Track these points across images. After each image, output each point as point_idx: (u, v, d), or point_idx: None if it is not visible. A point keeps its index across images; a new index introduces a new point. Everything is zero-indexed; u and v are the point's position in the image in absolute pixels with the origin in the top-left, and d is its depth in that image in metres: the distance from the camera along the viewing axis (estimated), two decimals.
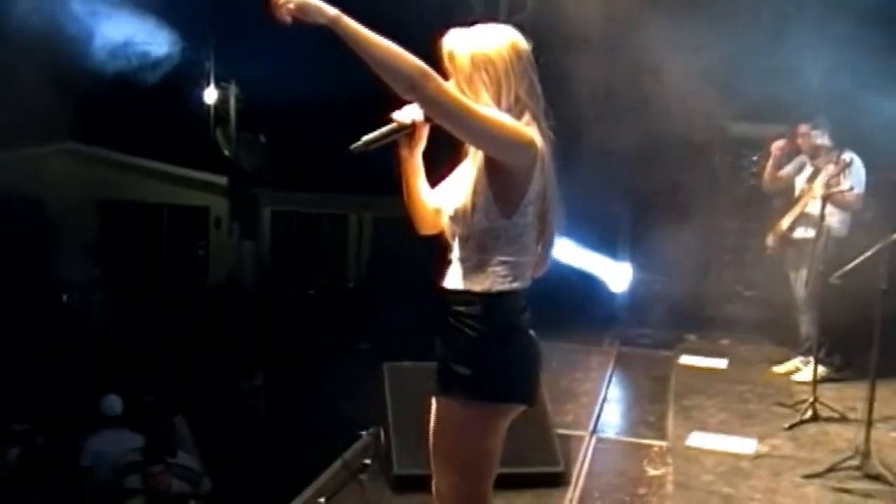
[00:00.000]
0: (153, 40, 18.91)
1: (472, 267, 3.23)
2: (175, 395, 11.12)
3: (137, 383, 11.32)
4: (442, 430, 3.35)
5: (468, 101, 3.01)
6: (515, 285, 3.21)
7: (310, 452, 7.91)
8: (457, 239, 3.31)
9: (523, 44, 3.24)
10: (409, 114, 3.28)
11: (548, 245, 3.35)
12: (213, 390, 12.29)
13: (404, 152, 3.43)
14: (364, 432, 6.22)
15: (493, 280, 3.18)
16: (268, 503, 5.55)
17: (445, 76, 3.16)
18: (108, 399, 9.62)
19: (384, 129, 3.25)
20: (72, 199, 22.16)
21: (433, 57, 3.18)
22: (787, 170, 8.14)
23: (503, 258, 3.19)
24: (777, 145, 8.13)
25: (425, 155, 3.46)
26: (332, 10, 2.85)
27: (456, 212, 3.22)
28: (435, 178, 3.49)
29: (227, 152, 22.85)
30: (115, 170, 22.95)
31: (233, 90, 22.32)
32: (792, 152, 8.47)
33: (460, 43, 3.21)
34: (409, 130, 3.33)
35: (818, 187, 7.74)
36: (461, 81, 3.19)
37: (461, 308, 3.22)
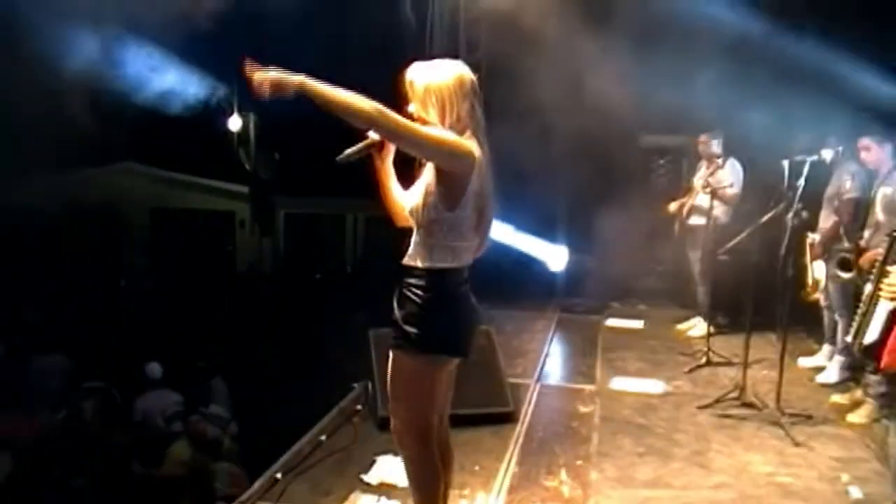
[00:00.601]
0: (192, 83, 18.97)
1: (422, 248, 3.35)
2: (213, 360, 11.12)
3: (182, 352, 11.33)
4: (394, 377, 3.46)
5: (416, 127, 3.15)
6: (454, 264, 3.35)
7: (315, 401, 7.99)
8: (414, 226, 3.42)
9: (467, 75, 3.36)
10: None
11: (485, 232, 3.47)
12: (241, 354, 12.29)
13: (378, 162, 3.54)
14: (356, 385, 6.29)
15: (436, 259, 3.32)
16: (281, 440, 5.55)
17: (407, 99, 3.35)
18: (150, 366, 9.64)
19: (360, 145, 3.38)
20: (129, 207, 22.25)
21: (398, 83, 3.41)
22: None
23: (445, 243, 3.31)
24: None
25: (405, 165, 3.53)
26: (296, 79, 3.03)
27: (412, 207, 3.36)
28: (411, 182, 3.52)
29: (248, 167, 22.71)
30: (162, 184, 22.96)
31: (252, 118, 22.26)
32: (693, 158, 8.60)
33: (418, 73, 3.35)
34: (379, 145, 3.44)
35: (697, 184, 7.93)
36: (417, 103, 3.34)
37: (411, 280, 3.35)
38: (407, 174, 3.54)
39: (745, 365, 6.07)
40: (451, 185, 3.26)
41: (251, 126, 22.19)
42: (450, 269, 3.36)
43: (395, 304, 3.44)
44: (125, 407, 9.17)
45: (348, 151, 3.37)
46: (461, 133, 3.29)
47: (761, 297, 6.29)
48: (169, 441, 8.03)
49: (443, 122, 3.28)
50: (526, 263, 9.59)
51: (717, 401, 6.03)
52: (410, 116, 3.31)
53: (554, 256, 9.51)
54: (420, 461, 3.53)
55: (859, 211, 6.18)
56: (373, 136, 3.38)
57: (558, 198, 9.96)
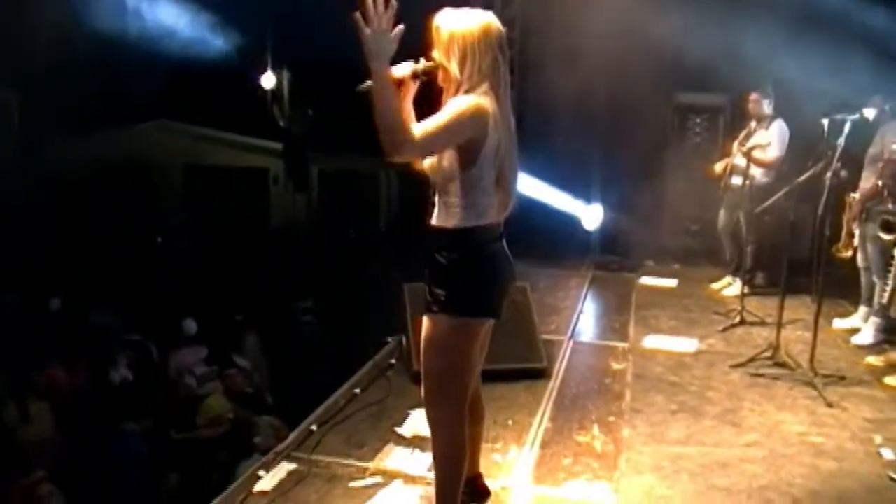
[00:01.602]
0: (226, 40, 19.05)
1: (446, 209, 3.31)
2: (248, 315, 11.24)
3: (217, 307, 11.46)
4: (427, 342, 3.39)
5: (428, 129, 3.05)
6: (481, 221, 3.27)
7: (349, 355, 8.07)
8: (434, 186, 3.40)
9: (495, 27, 3.28)
10: (403, 68, 3.32)
11: (508, 189, 3.37)
12: (276, 310, 12.41)
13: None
14: (390, 339, 6.36)
15: (459, 218, 3.26)
16: (317, 393, 5.63)
17: (432, 44, 3.32)
18: (186, 322, 9.78)
19: None
20: (164, 163, 22.45)
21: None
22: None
23: (468, 201, 3.25)
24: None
25: (425, 105, 3.44)
26: (377, 63, 2.92)
27: (429, 166, 3.34)
28: None
29: (281, 123, 22.83)
30: (196, 140, 23.09)
31: (285, 74, 22.33)
32: (736, 117, 8.54)
33: (444, 20, 3.28)
34: (400, 82, 3.32)
35: (735, 146, 7.88)
36: (440, 49, 3.29)
37: (437, 241, 3.33)
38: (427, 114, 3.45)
39: (780, 325, 6.05)
40: (466, 144, 3.20)
41: (285, 82, 22.30)
42: (477, 228, 3.29)
43: (426, 268, 3.42)
44: (162, 362, 9.34)
45: (369, 82, 3.20)
46: (478, 84, 3.22)
47: (798, 257, 6.26)
48: (203, 396, 8.18)
49: (461, 72, 3.23)
50: (561, 221, 9.58)
51: (751, 360, 6.04)
52: (435, 64, 3.31)
53: (589, 215, 9.49)
54: (448, 436, 3.45)
55: None
56: (395, 71, 3.29)
57: (593, 155, 9.91)
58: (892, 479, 4.35)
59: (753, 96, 7.92)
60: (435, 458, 3.52)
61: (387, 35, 2.93)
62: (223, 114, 21.91)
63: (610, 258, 9.63)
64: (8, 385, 8.06)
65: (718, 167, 8.16)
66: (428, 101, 3.41)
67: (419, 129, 3.05)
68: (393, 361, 5.97)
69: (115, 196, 19.61)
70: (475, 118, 3.13)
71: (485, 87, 3.22)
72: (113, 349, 9.23)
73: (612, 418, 5.13)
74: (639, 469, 4.45)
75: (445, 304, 3.29)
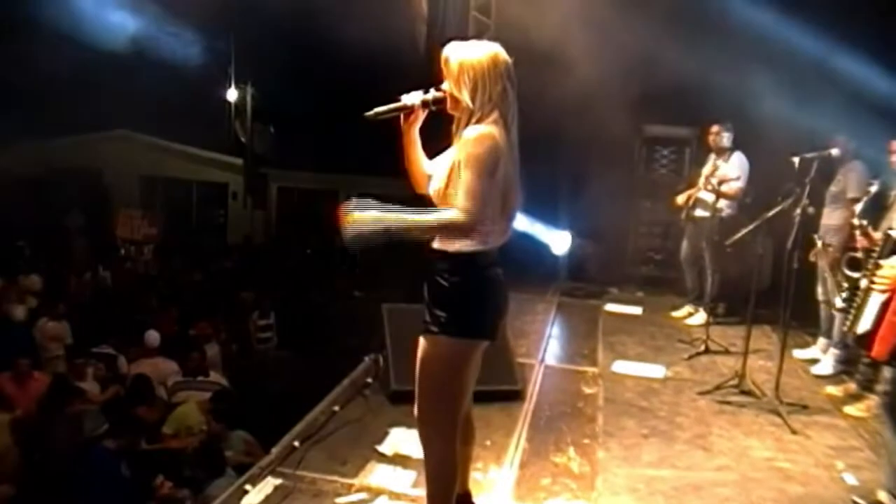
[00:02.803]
0: (189, 53, 19.02)
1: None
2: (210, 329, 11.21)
3: (175, 318, 11.43)
4: (424, 363, 3.44)
5: (467, 189, 3.17)
6: (482, 247, 3.31)
7: (318, 374, 8.10)
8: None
9: (503, 57, 3.35)
10: (412, 97, 3.44)
11: (510, 217, 3.45)
12: (234, 326, 12.38)
13: (404, 126, 3.53)
14: (366, 358, 6.43)
15: (462, 243, 3.30)
16: (292, 412, 5.69)
17: (442, 77, 3.41)
18: (149, 333, 9.70)
19: (391, 106, 3.45)
20: (122, 173, 22.29)
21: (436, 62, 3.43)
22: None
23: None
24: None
25: (431, 134, 3.59)
26: (378, 224, 3.14)
27: (436, 191, 3.39)
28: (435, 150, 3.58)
29: (243, 139, 22.84)
30: (156, 151, 22.96)
31: (248, 90, 22.34)
32: (701, 149, 8.75)
33: (453, 51, 3.36)
34: (410, 110, 3.46)
35: (702, 178, 8.07)
36: (451, 81, 3.36)
37: (440, 265, 3.36)
38: (432, 146, 3.60)
39: (746, 354, 6.25)
40: None
41: (248, 98, 22.29)
42: (479, 253, 3.33)
43: (425, 290, 3.45)
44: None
45: (378, 109, 3.42)
46: (489, 114, 3.28)
47: (757, 288, 6.45)
48: (174, 405, 8.17)
49: (473, 101, 3.28)
50: (530, 245, 9.70)
51: (717, 387, 6.23)
52: (444, 94, 3.39)
53: (556, 241, 9.63)
54: (442, 454, 3.52)
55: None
56: (405, 99, 3.44)
57: (562, 182, 10.05)
58: (855, 502, 4.54)
59: (714, 129, 8.13)
60: (427, 475, 3.58)
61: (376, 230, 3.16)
62: (184, 127, 21.79)
63: (576, 284, 9.75)
64: None
65: (681, 199, 8.34)
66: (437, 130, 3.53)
67: (462, 202, 3.16)
68: (370, 380, 6.05)
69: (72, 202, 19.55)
70: (495, 150, 3.22)
71: (495, 115, 3.29)
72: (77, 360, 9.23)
73: (586, 441, 5.27)
74: (615, 490, 4.60)
75: (445, 325, 3.34)
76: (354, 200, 3.19)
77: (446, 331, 3.35)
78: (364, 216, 3.16)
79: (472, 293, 3.38)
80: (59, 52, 17.28)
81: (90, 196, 21.03)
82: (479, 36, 8.87)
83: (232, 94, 22.28)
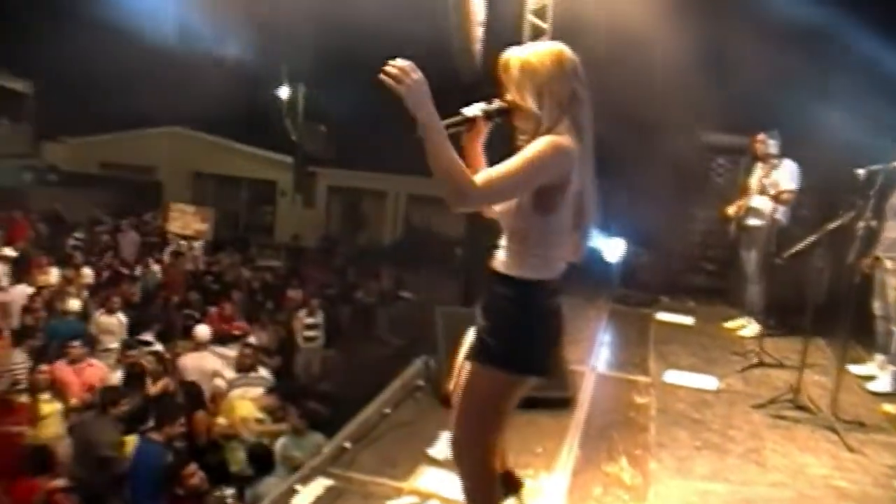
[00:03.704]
0: (242, 50, 19.23)
1: (512, 255, 3.15)
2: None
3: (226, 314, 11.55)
4: (466, 389, 3.27)
5: (493, 176, 2.93)
6: (546, 275, 3.13)
7: (364, 374, 8.13)
8: (504, 229, 3.22)
9: (567, 56, 3.11)
10: (474, 110, 3.18)
11: (584, 234, 3.23)
12: (280, 322, 12.48)
13: (465, 141, 3.27)
14: (417, 360, 6.44)
15: (526, 269, 3.11)
16: (343, 413, 5.73)
17: (502, 86, 3.19)
18: (199, 328, 9.85)
19: (451, 120, 3.12)
20: (173, 169, 22.57)
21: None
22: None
23: (537, 251, 3.10)
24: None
25: (496, 150, 3.32)
26: (423, 114, 2.85)
27: (500, 210, 3.17)
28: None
29: (293, 137, 23.01)
30: (207, 148, 23.20)
31: (300, 88, 22.49)
32: (748, 157, 8.65)
33: (514, 56, 3.13)
34: (471, 124, 3.20)
35: (754, 185, 7.97)
36: (513, 88, 3.12)
37: (498, 288, 3.17)
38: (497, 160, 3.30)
39: (802, 368, 6.16)
40: (546, 189, 3.01)
41: (300, 96, 22.45)
42: (540, 282, 3.14)
43: (478, 311, 3.27)
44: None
45: (470, 108, 3.17)
46: (559, 121, 3.03)
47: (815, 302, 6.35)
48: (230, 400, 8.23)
49: (540, 109, 3.04)
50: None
51: (772, 401, 6.13)
52: (508, 104, 3.17)
53: (610, 248, 9.57)
54: (478, 478, 3.38)
55: None
56: (466, 112, 3.18)
57: (618, 191, 9.98)
58: None
59: (760, 137, 8.01)
60: (463, 490, 3.46)
61: (419, 84, 2.86)
62: (236, 124, 22.05)
63: (628, 292, 9.67)
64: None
65: (731, 210, 8.24)
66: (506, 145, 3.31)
67: (483, 176, 2.94)
68: (421, 383, 6.06)
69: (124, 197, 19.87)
70: (554, 161, 2.98)
71: (566, 122, 3.05)
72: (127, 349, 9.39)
73: (638, 451, 5.23)
74: (668, 502, 4.56)
75: (494, 356, 3.16)
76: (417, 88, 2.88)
77: (495, 362, 3.17)
78: (419, 99, 2.87)
79: (527, 326, 3.17)
80: (113, 49, 17.62)
81: (142, 191, 21.36)
82: (535, 41, 8.91)
83: (284, 92, 22.46)
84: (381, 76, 2.87)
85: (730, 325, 8.60)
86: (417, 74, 2.87)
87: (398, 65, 2.85)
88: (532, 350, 3.18)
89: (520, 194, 3.04)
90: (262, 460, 7.01)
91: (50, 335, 9.75)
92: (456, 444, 3.41)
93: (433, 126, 2.88)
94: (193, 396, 8.22)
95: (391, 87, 2.85)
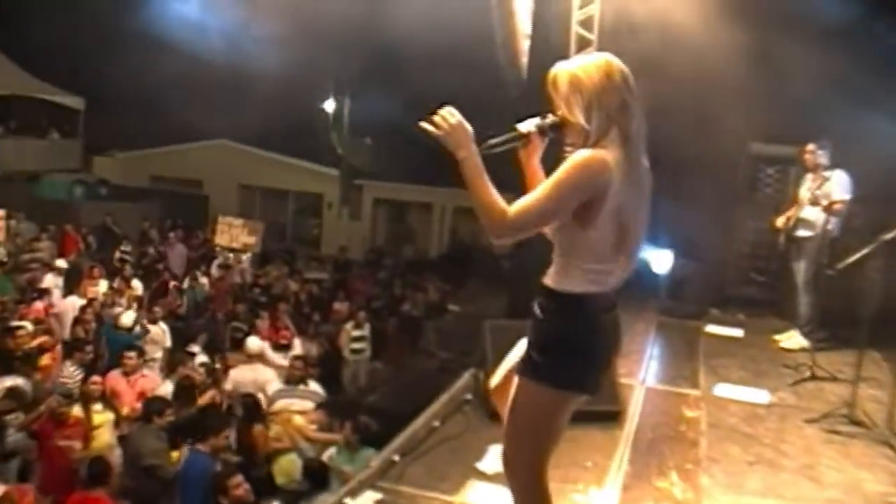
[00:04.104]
0: (288, 64, 19.40)
1: (559, 268, 3.11)
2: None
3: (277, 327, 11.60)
4: (515, 405, 3.20)
5: (525, 206, 2.93)
6: (593, 289, 3.05)
7: (411, 387, 8.12)
8: (552, 242, 3.17)
9: (615, 66, 3.05)
10: (528, 125, 3.17)
11: (630, 253, 3.12)
12: (327, 335, 12.54)
13: (522, 157, 3.27)
14: (466, 373, 6.42)
15: (575, 283, 3.05)
16: (391, 426, 5.73)
17: (551, 101, 3.13)
18: (251, 340, 9.94)
19: (506, 136, 3.14)
20: (220, 182, 22.81)
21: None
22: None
23: (583, 265, 3.04)
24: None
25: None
26: (462, 153, 2.96)
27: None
28: None
29: (339, 151, 23.17)
30: (253, 161, 23.41)
31: (346, 102, 22.65)
32: (799, 167, 8.56)
33: (562, 70, 3.08)
34: (527, 140, 3.18)
35: (804, 195, 7.87)
36: (562, 103, 3.07)
37: (544, 302, 3.12)
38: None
39: (857, 381, 6.05)
40: (584, 205, 2.95)
41: (345, 110, 22.62)
42: (590, 295, 3.05)
43: (529, 326, 3.20)
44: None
45: (492, 141, 3.12)
46: (606, 133, 2.97)
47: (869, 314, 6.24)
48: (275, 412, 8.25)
49: (589, 122, 2.98)
50: None
51: (826, 416, 6.03)
52: (557, 119, 3.12)
53: (657, 259, 9.50)
54: (531, 496, 3.29)
55: None
56: (520, 128, 3.18)
57: (666, 202, 9.93)
58: None
59: (810, 147, 7.91)
60: None
61: (459, 126, 2.97)
62: (283, 137, 22.23)
63: (676, 304, 9.56)
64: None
65: (780, 221, 8.14)
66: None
67: (517, 207, 2.93)
68: (469, 396, 6.04)
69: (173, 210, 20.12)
70: (586, 181, 2.92)
71: (613, 134, 2.99)
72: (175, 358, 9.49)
73: (689, 466, 5.17)
74: None
75: (541, 371, 3.10)
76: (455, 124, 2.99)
77: (542, 378, 3.10)
78: (456, 134, 2.98)
79: (576, 341, 3.09)
80: (162, 64, 17.89)
81: (190, 204, 21.62)
82: (581, 52, 8.89)
83: (330, 106, 22.62)
84: (422, 125, 2.97)
85: (779, 337, 8.49)
86: (455, 118, 2.98)
87: (440, 113, 2.97)
88: (578, 366, 3.12)
89: (557, 219, 3.01)
90: (318, 475, 7.02)
91: (111, 345, 9.87)
92: (507, 460, 3.32)
93: (471, 164, 2.96)
94: (251, 409, 8.24)
95: (432, 133, 2.95)
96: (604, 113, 2.99)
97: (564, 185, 2.91)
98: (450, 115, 2.98)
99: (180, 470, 6.84)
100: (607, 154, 2.94)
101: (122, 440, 7.72)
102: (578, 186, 2.91)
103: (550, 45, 8.86)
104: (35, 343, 9.23)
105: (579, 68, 3.07)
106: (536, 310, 3.16)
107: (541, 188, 2.95)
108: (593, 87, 3.01)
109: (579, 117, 3.02)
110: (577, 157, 2.94)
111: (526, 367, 3.15)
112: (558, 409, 3.17)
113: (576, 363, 3.10)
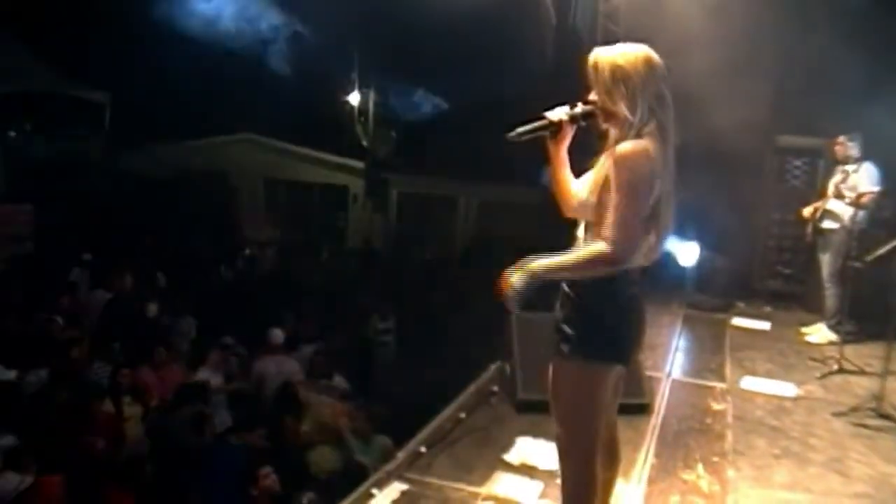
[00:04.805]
0: (313, 57, 19.42)
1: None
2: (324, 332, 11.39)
3: (295, 319, 11.62)
4: (556, 386, 3.29)
5: (617, 223, 2.95)
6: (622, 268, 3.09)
7: (437, 379, 8.13)
8: (582, 223, 3.26)
9: (656, 59, 3.10)
10: (558, 113, 3.21)
11: (660, 237, 3.17)
12: (354, 328, 12.55)
13: (551, 146, 3.31)
14: (492, 366, 6.44)
15: None
16: (417, 417, 5.75)
17: (588, 86, 3.16)
18: (273, 332, 9.93)
19: (535, 124, 3.20)
20: (246, 175, 22.85)
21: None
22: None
23: None
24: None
25: (580, 153, 3.37)
26: (527, 276, 3.01)
27: (580, 204, 3.23)
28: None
29: (365, 143, 23.16)
30: (279, 154, 23.42)
31: (371, 95, 22.63)
32: (827, 160, 8.51)
33: (603, 58, 3.10)
34: (556, 128, 3.22)
35: (831, 188, 7.85)
36: (601, 92, 3.10)
37: (577, 281, 3.18)
38: (580, 163, 3.35)
39: (885, 375, 6.01)
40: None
41: (370, 102, 22.61)
42: (620, 273, 3.10)
43: (558, 306, 3.29)
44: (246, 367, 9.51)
45: (520, 130, 3.18)
46: (647, 124, 3.02)
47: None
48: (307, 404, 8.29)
49: (633, 113, 3.03)
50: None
51: (854, 409, 6.02)
52: (594, 107, 3.17)
53: (683, 252, 9.47)
54: (579, 480, 3.33)
55: None
56: (549, 116, 3.21)
57: (691, 195, 9.88)
58: None
59: (840, 139, 7.90)
60: (563, 498, 3.42)
61: (531, 270, 3.04)
62: (308, 130, 22.24)
63: (702, 297, 9.53)
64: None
65: (807, 212, 8.11)
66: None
67: (609, 233, 2.96)
68: (495, 388, 6.06)
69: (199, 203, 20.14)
70: (650, 170, 3.00)
71: (651, 126, 3.04)
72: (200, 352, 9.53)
73: (716, 458, 5.16)
74: None
75: (577, 345, 3.18)
76: (513, 270, 3.05)
77: (578, 351, 3.19)
78: (518, 277, 3.02)
79: (608, 313, 3.18)
80: (187, 58, 17.93)
81: (217, 197, 21.66)
82: (608, 44, 8.88)
83: (355, 98, 22.61)
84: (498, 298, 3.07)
85: (806, 330, 8.45)
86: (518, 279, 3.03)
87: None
88: (612, 337, 3.21)
89: (645, 221, 3.05)
90: (353, 468, 7.05)
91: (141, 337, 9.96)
92: (560, 446, 3.41)
93: (556, 267, 3.05)
94: (285, 400, 8.26)
95: (504, 302, 3.06)
96: (646, 104, 3.04)
97: (638, 188, 2.98)
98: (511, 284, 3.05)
99: (209, 459, 6.89)
100: (648, 144, 3.00)
101: (149, 432, 7.77)
102: (647, 181, 2.99)
103: (577, 37, 8.87)
104: (64, 336, 9.28)
105: (621, 57, 3.10)
106: (566, 288, 3.24)
107: (620, 205, 2.97)
108: (638, 78, 3.06)
109: (622, 107, 3.06)
110: (626, 154, 3.00)
111: (561, 343, 3.23)
112: (599, 383, 3.24)
113: (611, 333, 3.19)
